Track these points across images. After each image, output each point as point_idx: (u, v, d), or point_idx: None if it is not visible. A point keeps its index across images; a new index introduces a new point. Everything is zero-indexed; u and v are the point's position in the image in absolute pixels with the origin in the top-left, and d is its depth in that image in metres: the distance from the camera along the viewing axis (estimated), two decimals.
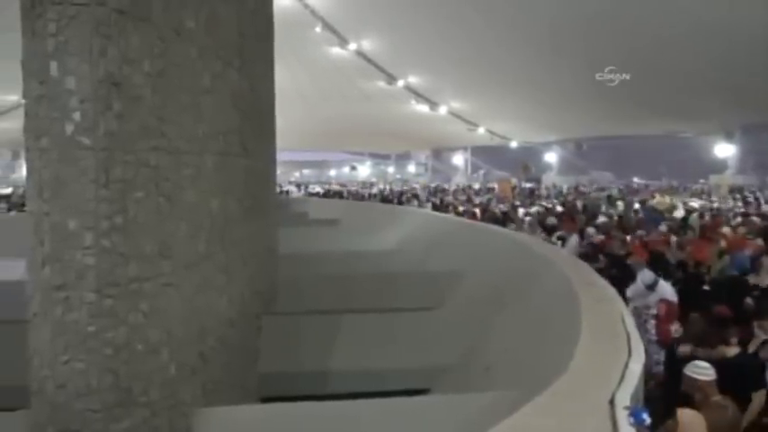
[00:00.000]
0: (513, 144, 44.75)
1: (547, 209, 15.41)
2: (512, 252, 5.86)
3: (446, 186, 36.81)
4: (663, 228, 10.30)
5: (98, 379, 2.29)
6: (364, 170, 61.65)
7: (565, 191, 30.73)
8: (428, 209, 16.39)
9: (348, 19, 23.94)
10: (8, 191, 23.85)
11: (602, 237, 9.18)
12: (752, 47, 17.66)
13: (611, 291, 3.81)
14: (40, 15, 2.21)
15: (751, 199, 20.71)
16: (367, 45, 26.74)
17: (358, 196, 26.20)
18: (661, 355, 5.18)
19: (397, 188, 33.64)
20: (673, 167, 41.02)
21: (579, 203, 18.26)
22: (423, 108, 34.32)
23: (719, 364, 3.68)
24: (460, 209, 15.91)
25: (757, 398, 3.63)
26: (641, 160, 44.34)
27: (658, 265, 6.72)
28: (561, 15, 18.66)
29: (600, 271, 5.29)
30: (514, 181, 33.07)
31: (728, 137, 32.34)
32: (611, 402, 1.94)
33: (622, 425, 1.79)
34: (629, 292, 5.71)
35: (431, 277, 6.12)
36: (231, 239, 3.86)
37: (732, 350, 4.33)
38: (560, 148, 45.19)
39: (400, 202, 20.44)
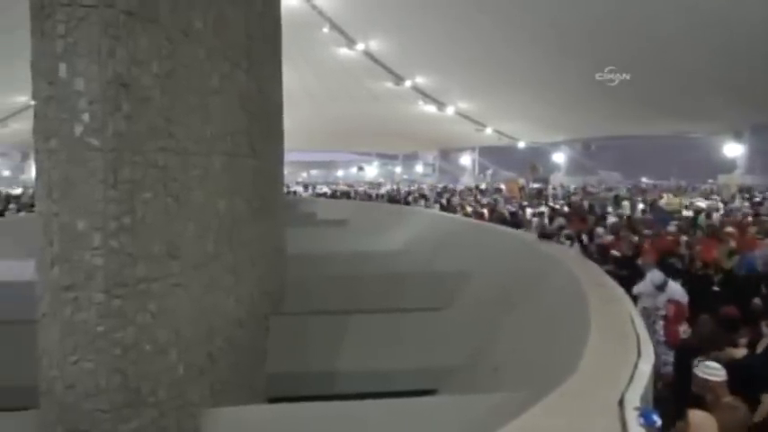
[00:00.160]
0: (521, 144, 44.54)
1: (553, 210, 15.30)
2: (520, 252, 5.85)
3: (453, 186, 36.69)
4: (672, 227, 10.23)
5: (107, 379, 2.30)
6: (372, 170, 61.54)
7: (572, 191, 30.55)
8: (436, 209, 16.35)
9: (356, 19, 23.94)
10: (18, 191, 23.96)
11: (610, 237, 9.13)
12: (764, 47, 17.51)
13: (620, 291, 3.80)
14: (49, 16, 2.22)
15: (759, 198, 20.52)
16: (374, 45, 26.72)
17: (366, 197, 26.17)
18: (670, 356, 5.14)
19: (404, 188, 33.57)
20: (681, 167, 40.72)
21: (586, 203, 18.15)
22: (430, 108, 34.25)
23: (728, 366, 3.64)
24: (468, 209, 15.85)
25: (766, 399, 3.60)
26: (650, 160, 43.99)
27: (668, 265, 6.68)
28: (568, 16, 18.60)
29: (608, 272, 5.26)
30: (522, 181, 32.89)
31: (738, 137, 32.07)
32: (621, 403, 1.93)
33: (632, 426, 1.78)
34: (637, 289, 5.67)
35: (438, 277, 6.11)
36: (239, 240, 3.87)
37: (740, 351, 4.29)
38: (568, 149, 44.90)
39: (407, 203, 20.39)
